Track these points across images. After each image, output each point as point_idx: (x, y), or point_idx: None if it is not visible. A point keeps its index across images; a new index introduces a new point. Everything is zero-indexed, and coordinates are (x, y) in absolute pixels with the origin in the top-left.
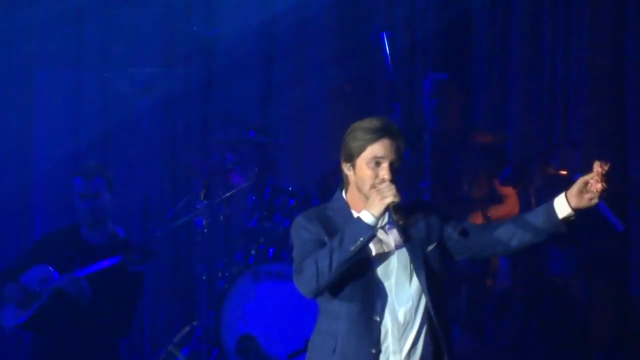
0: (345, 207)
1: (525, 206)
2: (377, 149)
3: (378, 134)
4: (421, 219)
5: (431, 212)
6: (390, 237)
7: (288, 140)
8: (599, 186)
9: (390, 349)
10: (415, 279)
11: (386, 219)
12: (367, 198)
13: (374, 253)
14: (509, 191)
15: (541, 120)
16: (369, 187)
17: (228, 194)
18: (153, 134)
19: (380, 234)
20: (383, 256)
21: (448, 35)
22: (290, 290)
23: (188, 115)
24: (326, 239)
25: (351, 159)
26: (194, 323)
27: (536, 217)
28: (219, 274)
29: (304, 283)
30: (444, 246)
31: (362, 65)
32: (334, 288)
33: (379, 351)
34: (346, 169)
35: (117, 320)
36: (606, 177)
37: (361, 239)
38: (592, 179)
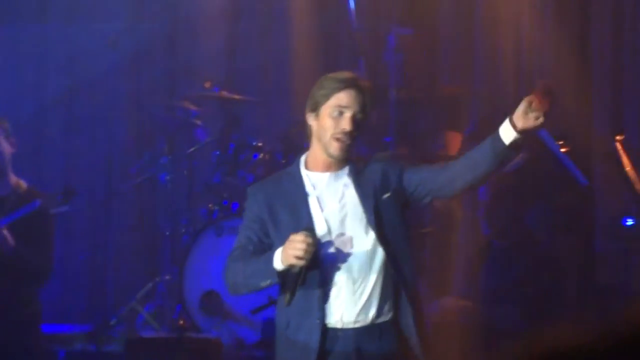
0: (298, 172)
1: None
2: (342, 97)
3: (345, 83)
4: (377, 170)
5: (389, 162)
6: (341, 193)
7: (252, 96)
8: (544, 103)
9: (344, 305)
10: (370, 231)
11: (332, 176)
12: (324, 149)
13: (320, 214)
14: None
15: (507, 75)
16: (329, 136)
17: (192, 149)
18: (117, 89)
19: (329, 192)
20: (338, 212)
21: None
22: None
23: (152, 71)
24: (266, 217)
25: (316, 107)
26: (157, 279)
27: (485, 148)
28: (183, 230)
29: (225, 281)
30: (405, 194)
31: (327, 21)
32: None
33: (322, 318)
34: (310, 119)
35: (35, 267)
36: (549, 96)
37: (269, 281)
38: (536, 97)
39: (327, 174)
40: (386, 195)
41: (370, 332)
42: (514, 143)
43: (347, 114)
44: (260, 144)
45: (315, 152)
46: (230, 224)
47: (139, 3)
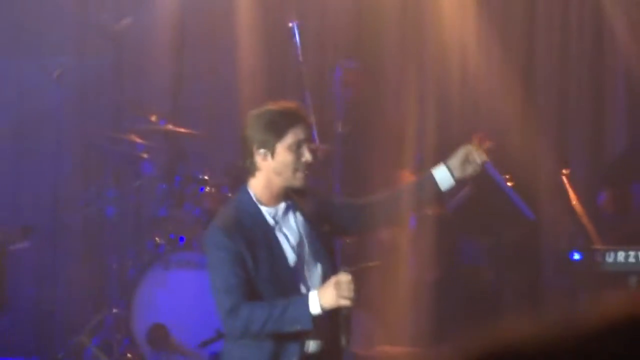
0: (254, 206)
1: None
2: (299, 132)
3: (297, 117)
4: (314, 202)
5: (322, 197)
6: (294, 223)
7: (198, 129)
8: (482, 155)
9: (319, 333)
10: (318, 263)
11: (284, 207)
12: (286, 181)
13: (288, 245)
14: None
15: (452, 110)
16: (292, 170)
17: (138, 183)
18: (64, 122)
19: (286, 224)
20: (296, 245)
21: (358, 24)
22: (201, 278)
23: (98, 105)
24: (245, 253)
25: (269, 145)
26: (105, 312)
27: (419, 189)
28: (130, 263)
29: (232, 329)
30: (338, 226)
31: (273, 55)
32: (259, 296)
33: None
34: (260, 157)
35: None
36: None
37: (298, 327)
38: (474, 150)
39: (281, 206)
40: (326, 229)
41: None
42: (449, 189)
43: (306, 146)
44: (206, 177)
45: (270, 186)
46: (178, 257)
47: (85, 37)
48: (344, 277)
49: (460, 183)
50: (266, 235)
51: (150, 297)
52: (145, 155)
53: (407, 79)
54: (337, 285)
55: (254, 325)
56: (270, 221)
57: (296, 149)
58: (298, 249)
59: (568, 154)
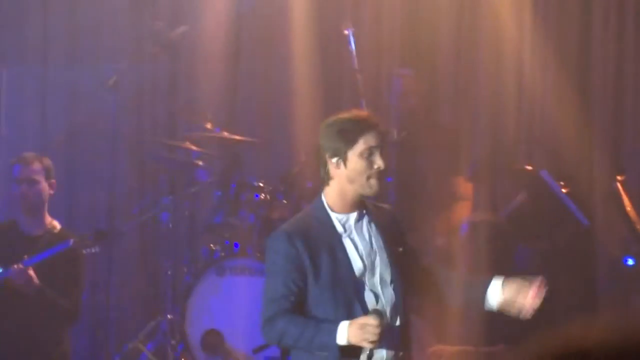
0: (326, 215)
1: (490, 202)
2: (370, 139)
3: (368, 124)
4: (390, 219)
5: (398, 218)
6: (367, 233)
7: (253, 137)
8: (531, 308)
9: (380, 344)
10: (394, 275)
11: (357, 215)
12: (360, 188)
13: (356, 253)
14: (475, 188)
15: (507, 117)
16: (365, 178)
17: (193, 189)
18: (119, 130)
19: (358, 232)
20: (366, 255)
21: (414, 31)
22: (255, 284)
23: (154, 112)
24: (307, 260)
25: (341, 153)
26: (160, 318)
27: (472, 292)
28: (184, 269)
29: (268, 338)
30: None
31: (329, 62)
32: (318, 302)
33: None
34: (333, 165)
35: (65, 306)
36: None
37: (325, 354)
38: (526, 302)
39: (354, 214)
40: (400, 249)
41: None
42: (490, 309)
43: (378, 153)
44: (261, 184)
45: (344, 194)
46: (232, 263)
47: (140, 43)
48: (372, 321)
49: (500, 311)
50: (332, 242)
51: (204, 303)
52: (200, 163)
53: (463, 86)
54: (363, 327)
55: (286, 339)
56: (339, 228)
57: (368, 156)
58: (367, 258)
59: (623, 160)
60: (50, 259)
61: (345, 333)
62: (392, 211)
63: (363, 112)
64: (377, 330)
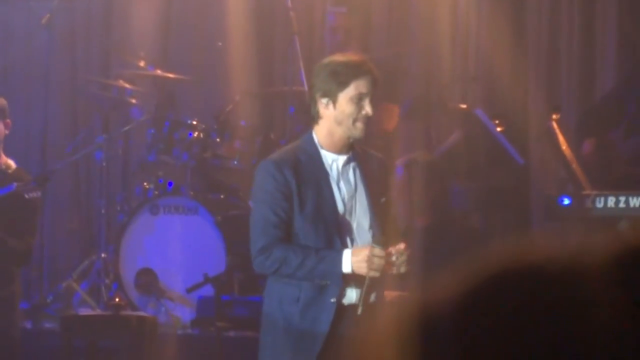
0: (315, 151)
1: (424, 141)
2: (362, 85)
3: (362, 69)
4: (377, 166)
5: (386, 170)
6: (352, 177)
7: (187, 74)
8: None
9: (353, 290)
10: (372, 222)
11: (345, 158)
12: (347, 131)
13: (339, 195)
14: (410, 125)
15: (442, 55)
16: (352, 120)
17: (127, 128)
18: (52, 68)
19: (344, 176)
20: (350, 198)
21: None
22: (188, 223)
23: (87, 50)
24: (295, 189)
25: (332, 94)
26: (93, 257)
27: None
28: (118, 208)
29: (262, 267)
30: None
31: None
32: (299, 233)
33: (339, 299)
34: (323, 105)
35: (17, 247)
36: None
37: (328, 282)
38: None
39: (342, 157)
40: (383, 199)
41: (367, 313)
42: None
43: (367, 99)
44: (195, 123)
45: (332, 134)
46: (166, 202)
47: None
48: (378, 252)
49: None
50: (319, 177)
51: (138, 242)
52: (133, 101)
53: (396, 23)
54: (370, 259)
55: (284, 269)
56: (327, 165)
57: (358, 101)
58: (348, 202)
59: (558, 99)
60: (2, 200)
61: (349, 260)
62: (383, 160)
63: (359, 57)
64: (382, 262)
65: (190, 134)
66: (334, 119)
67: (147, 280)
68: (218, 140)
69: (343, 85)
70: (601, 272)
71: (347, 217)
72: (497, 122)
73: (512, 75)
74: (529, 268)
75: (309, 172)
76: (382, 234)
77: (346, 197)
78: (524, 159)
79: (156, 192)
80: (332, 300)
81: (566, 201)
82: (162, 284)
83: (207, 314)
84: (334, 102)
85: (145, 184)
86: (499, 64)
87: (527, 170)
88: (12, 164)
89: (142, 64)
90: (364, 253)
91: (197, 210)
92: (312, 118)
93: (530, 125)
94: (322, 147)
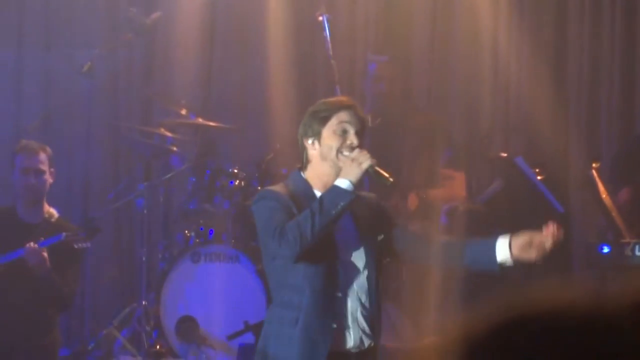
0: (307, 187)
1: (466, 189)
2: (343, 115)
3: (342, 104)
4: (372, 209)
5: (380, 207)
6: (349, 223)
7: (228, 123)
8: (547, 247)
9: (349, 324)
10: (368, 263)
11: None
12: (334, 167)
13: (336, 236)
14: (453, 174)
15: (483, 104)
16: (335, 152)
17: (168, 176)
18: (94, 115)
19: (342, 219)
20: (344, 239)
21: (389, 16)
22: (229, 271)
23: (129, 98)
24: (295, 211)
25: (315, 133)
26: (134, 304)
27: (477, 250)
28: (159, 256)
29: (288, 247)
30: (390, 245)
31: (304, 48)
32: (300, 265)
33: (339, 326)
34: (310, 146)
35: (61, 293)
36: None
37: (341, 203)
38: (542, 238)
39: None
40: (380, 237)
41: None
42: (503, 264)
43: (351, 130)
44: (236, 171)
45: (320, 176)
46: (207, 250)
47: (115, 30)
48: (354, 152)
49: (516, 263)
50: None
51: (179, 289)
52: (175, 149)
53: (438, 72)
54: (352, 159)
55: (303, 228)
56: None
57: (341, 132)
58: (345, 240)
59: (598, 147)
60: (52, 247)
61: (344, 178)
62: (375, 199)
63: (343, 96)
64: (365, 151)
65: (232, 182)
66: (320, 156)
67: (188, 327)
68: (259, 188)
69: (325, 120)
70: (623, 318)
71: (342, 257)
72: (537, 170)
73: (553, 124)
74: (548, 314)
75: (305, 204)
76: (378, 273)
77: (343, 235)
78: (564, 207)
79: (197, 240)
80: (334, 325)
81: (606, 249)
82: (203, 331)
83: None
84: (319, 139)
85: (186, 231)
86: (540, 112)
87: (567, 219)
88: (54, 212)
89: (183, 112)
90: (346, 162)
91: (238, 259)
92: (302, 166)
93: (570, 174)
94: (314, 188)
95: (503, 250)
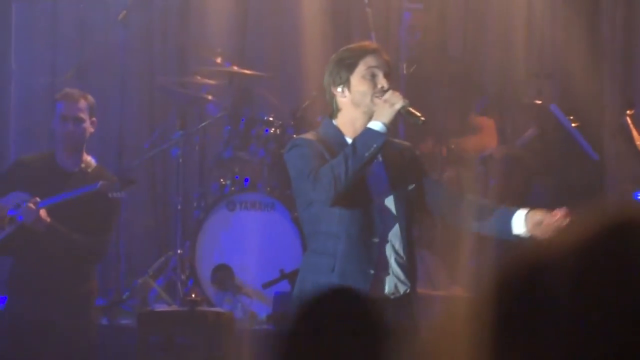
0: (338, 133)
1: (500, 136)
2: (370, 60)
3: (367, 48)
4: (404, 158)
5: (413, 157)
6: (380, 169)
7: (264, 71)
8: (553, 229)
9: (385, 270)
10: (398, 210)
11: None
12: (368, 112)
13: (368, 180)
14: (485, 122)
15: (517, 52)
16: (370, 98)
17: (203, 124)
18: (128, 64)
19: (374, 165)
20: (376, 184)
21: None
22: (265, 219)
23: (164, 46)
24: (328, 157)
25: (344, 80)
26: (169, 253)
27: (492, 220)
28: (195, 204)
29: (323, 190)
30: (419, 196)
31: None
32: (335, 211)
33: (376, 271)
34: (339, 94)
35: (93, 245)
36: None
37: (375, 145)
38: (551, 220)
39: None
40: (411, 187)
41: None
42: (518, 236)
43: (380, 74)
44: (271, 119)
45: (353, 122)
46: (242, 198)
47: None
48: (388, 93)
49: (526, 237)
50: None
51: (214, 238)
52: (210, 97)
53: (472, 20)
54: (384, 101)
55: (337, 171)
56: None
57: (370, 77)
58: (376, 184)
59: (633, 94)
60: (80, 198)
61: (376, 120)
62: (410, 147)
63: (364, 41)
64: (397, 92)
65: (267, 130)
66: (352, 103)
67: (224, 276)
68: (295, 136)
69: (352, 66)
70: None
71: (377, 202)
72: (571, 117)
73: (587, 71)
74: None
75: (337, 150)
76: (409, 221)
77: (373, 186)
78: (598, 154)
79: (233, 189)
80: (371, 271)
81: None
82: (238, 279)
83: (283, 310)
84: (348, 86)
85: (221, 180)
86: (574, 60)
87: (602, 166)
88: (92, 162)
89: (219, 60)
90: (379, 103)
91: (274, 206)
92: (332, 113)
93: (605, 121)
94: (345, 135)
95: (519, 223)
